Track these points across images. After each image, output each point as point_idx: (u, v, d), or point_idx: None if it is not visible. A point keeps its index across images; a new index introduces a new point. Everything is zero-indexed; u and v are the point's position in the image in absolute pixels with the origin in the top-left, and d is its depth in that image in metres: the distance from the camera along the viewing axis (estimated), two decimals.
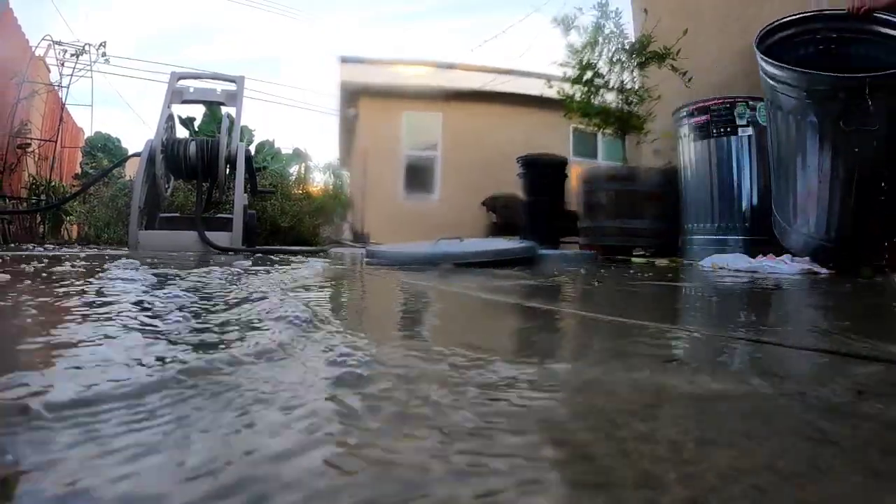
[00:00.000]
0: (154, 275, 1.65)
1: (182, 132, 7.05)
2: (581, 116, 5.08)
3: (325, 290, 1.54)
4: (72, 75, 7.25)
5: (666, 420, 0.45)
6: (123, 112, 50.27)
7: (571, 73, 5.00)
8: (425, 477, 0.31)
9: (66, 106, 7.61)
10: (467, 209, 7.71)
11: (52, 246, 4.50)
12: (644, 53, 4.72)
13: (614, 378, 0.56)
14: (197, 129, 7.95)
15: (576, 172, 5.36)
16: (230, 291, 1.27)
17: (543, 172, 5.97)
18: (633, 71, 4.90)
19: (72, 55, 7.22)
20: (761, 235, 3.58)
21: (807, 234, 2.93)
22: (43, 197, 6.50)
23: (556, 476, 0.33)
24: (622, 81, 4.92)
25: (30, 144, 6.72)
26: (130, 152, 5.66)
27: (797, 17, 3.13)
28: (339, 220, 9.49)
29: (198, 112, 8.18)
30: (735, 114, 3.67)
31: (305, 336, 0.72)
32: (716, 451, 0.37)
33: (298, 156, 9.05)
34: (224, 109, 5.22)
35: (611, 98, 4.98)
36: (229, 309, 0.98)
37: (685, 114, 3.96)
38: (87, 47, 7.27)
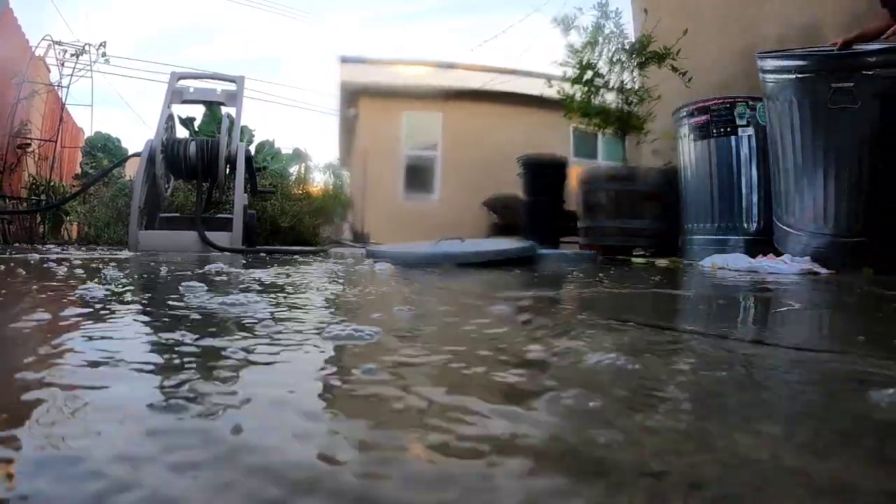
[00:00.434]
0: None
1: (182, 132, 7.05)
2: (581, 116, 5.08)
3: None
4: (72, 75, 7.27)
5: None
6: (123, 112, 50.27)
7: (571, 73, 5.00)
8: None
9: (66, 106, 7.63)
10: (467, 209, 7.71)
11: (62, 247, 4.50)
12: (644, 53, 4.72)
13: None
14: (197, 129, 7.95)
15: (575, 173, 5.36)
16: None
17: (543, 173, 5.98)
18: (633, 71, 4.90)
19: (72, 55, 7.23)
20: (761, 235, 3.59)
21: (813, 231, 2.93)
22: (43, 197, 6.51)
23: None
24: (622, 81, 4.92)
25: (30, 144, 6.73)
26: (130, 152, 5.66)
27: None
28: (339, 220, 9.49)
29: (198, 112, 8.19)
30: (735, 114, 3.67)
31: None
32: None
33: (298, 156, 9.05)
34: (224, 109, 5.22)
35: (611, 98, 4.98)
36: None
37: (685, 114, 3.96)
38: (87, 47, 7.29)
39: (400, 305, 1.09)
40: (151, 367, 0.56)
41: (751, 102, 3.65)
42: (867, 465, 0.35)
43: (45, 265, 1.96)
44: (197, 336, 0.68)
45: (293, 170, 8.59)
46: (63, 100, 7.49)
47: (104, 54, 7.45)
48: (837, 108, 2.84)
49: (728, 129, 3.70)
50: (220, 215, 4.69)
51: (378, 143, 9.61)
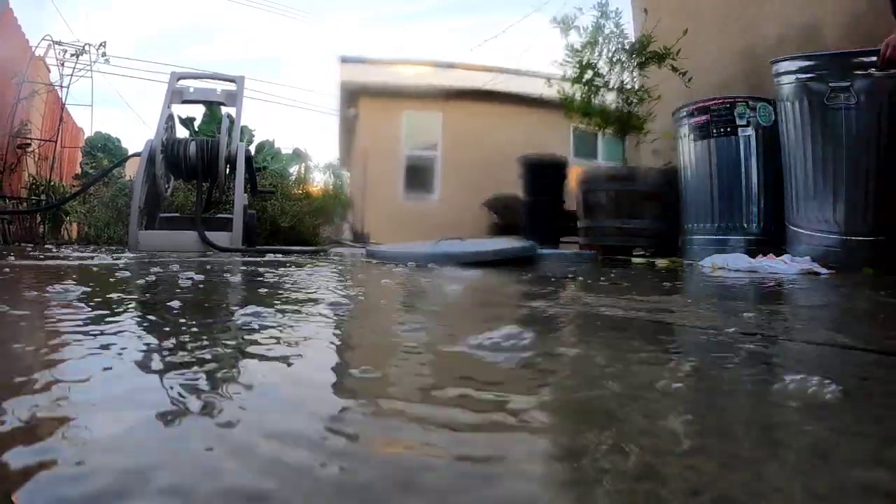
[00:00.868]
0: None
1: (182, 132, 7.05)
2: (582, 116, 5.08)
3: None
4: (72, 75, 7.26)
5: None
6: (123, 112, 50.27)
7: (571, 73, 5.00)
8: None
9: (66, 106, 7.62)
10: (467, 209, 7.71)
11: (66, 247, 4.50)
12: (644, 53, 4.72)
13: None
14: (197, 129, 7.95)
15: (575, 173, 5.37)
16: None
17: (543, 173, 5.98)
18: (633, 71, 4.89)
19: (72, 55, 7.23)
20: (761, 235, 3.59)
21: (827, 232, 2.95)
22: (43, 197, 6.50)
23: None
24: (622, 81, 4.92)
25: (30, 144, 6.73)
26: (130, 152, 5.66)
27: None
28: (339, 220, 9.49)
29: (198, 112, 8.19)
30: (735, 114, 3.67)
31: None
32: None
33: (298, 156, 9.05)
34: (224, 109, 5.22)
35: (611, 98, 4.97)
36: None
37: (685, 114, 3.96)
38: (87, 47, 7.28)
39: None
40: None
41: (751, 102, 3.65)
42: None
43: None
44: None
45: (293, 170, 8.59)
46: (63, 100, 7.49)
47: (104, 54, 7.44)
48: (846, 109, 2.88)
49: (728, 129, 3.69)
50: (220, 215, 4.69)
51: (378, 143, 9.61)
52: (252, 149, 7.11)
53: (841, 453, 0.37)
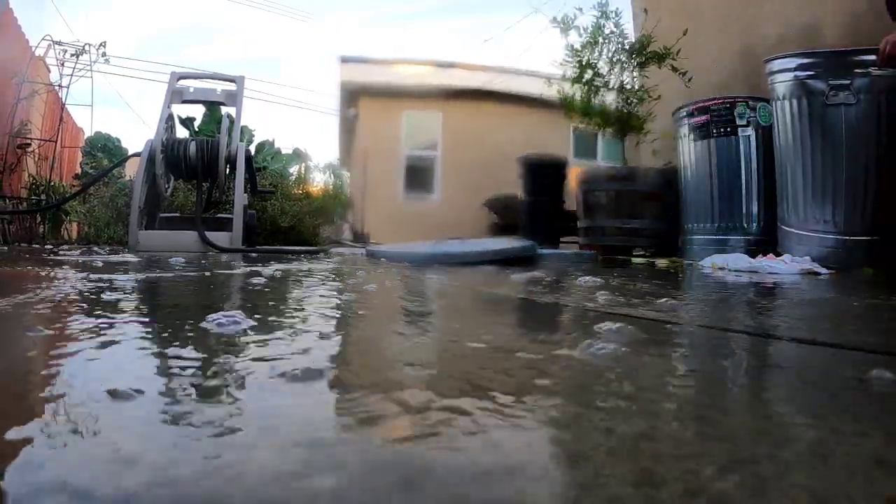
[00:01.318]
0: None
1: (182, 132, 7.05)
2: (582, 116, 5.07)
3: None
4: (72, 75, 7.26)
5: None
6: (123, 112, 50.28)
7: (571, 73, 4.99)
8: None
9: (66, 106, 7.62)
10: (468, 209, 7.72)
11: (65, 246, 4.50)
12: (644, 53, 4.71)
13: None
14: (197, 129, 7.95)
15: (575, 173, 5.36)
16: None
17: (543, 173, 5.98)
18: (633, 71, 4.89)
19: (72, 55, 7.22)
20: (761, 235, 3.59)
21: (820, 232, 2.95)
22: (43, 197, 6.50)
23: None
24: (622, 81, 4.92)
25: (30, 144, 6.72)
26: (130, 152, 5.66)
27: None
28: (339, 220, 9.49)
29: (198, 112, 8.19)
30: (735, 114, 3.66)
31: None
32: None
33: (298, 156, 9.04)
34: (224, 109, 5.22)
35: (611, 98, 4.97)
36: None
37: (685, 114, 3.96)
38: (87, 47, 7.28)
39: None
40: None
41: (751, 102, 3.65)
42: None
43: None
44: None
45: (293, 170, 8.59)
46: (63, 100, 7.48)
47: (104, 54, 7.44)
48: (841, 108, 2.88)
49: (728, 129, 3.69)
50: (220, 215, 4.69)
51: (378, 143, 9.61)
52: (252, 149, 7.11)
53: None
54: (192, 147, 4.37)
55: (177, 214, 4.91)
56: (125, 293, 1.30)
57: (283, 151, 8.95)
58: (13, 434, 0.35)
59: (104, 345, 0.67)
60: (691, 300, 1.47)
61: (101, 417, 0.40)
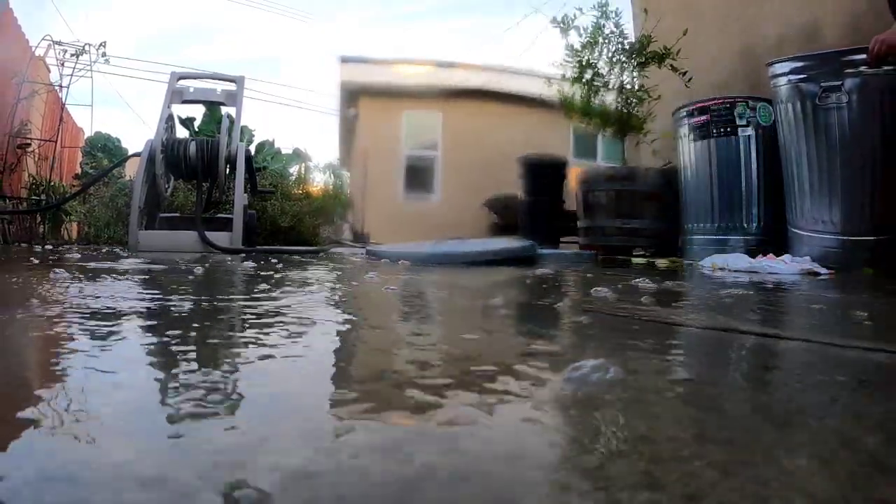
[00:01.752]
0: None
1: (182, 132, 7.05)
2: (581, 117, 5.07)
3: None
4: (72, 75, 7.25)
5: None
6: (123, 112, 50.27)
7: (571, 73, 4.99)
8: None
9: (66, 106, 7.61)
10: (468, 209, 7.71)
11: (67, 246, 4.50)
12: (644, 54, 4.71)
13: None
14: (197, 129, 7.94)
15: (575, 173, 5.36)
16: None
17: (543, 173, 5.98)
18: (632, 71, 4.89)
19: (72, 55, 7.22)
20: (761, 235, 3.60)
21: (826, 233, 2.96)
22: (43, 197, 6.50)
23: None
24: (622, 82, 4.91)
25: (30, 144, 6.72)
26: (130, 152, 5.66)
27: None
28: (339, 220, 9.48)
29: (198, 112, 8.19)
30: (735, 114, 3.66)
31: None
32: None
33: (298, 156, 9.04)
34: (224, 109, 5.22)
35: (610, 99, 4.97)
36: None
37: (685, 114, 3.96)
38: (87, 47, 7.27)
39: None
40: None
41: (751, 102, 3.64)
42: None
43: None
44: None
45: (293, 170, 8.59)
46: (63, 100, 7.48)
47: (104, 54, 7.43)
48: (833, 109, 2.91)
49: (728, 129, 3.69)
50: (220, 215, 4.69)
51: (378, 143, 9.60)
52: (252, 149, 7.11)
53: None
54: (192, 147, 4.37)
55: (177, 214, 4.91)
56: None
57: (283, 151, 8.95)
58: None
59: None
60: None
61: None
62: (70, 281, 1.49)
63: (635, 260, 3.95)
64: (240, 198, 4.28)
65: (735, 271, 2.70)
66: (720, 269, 2.84)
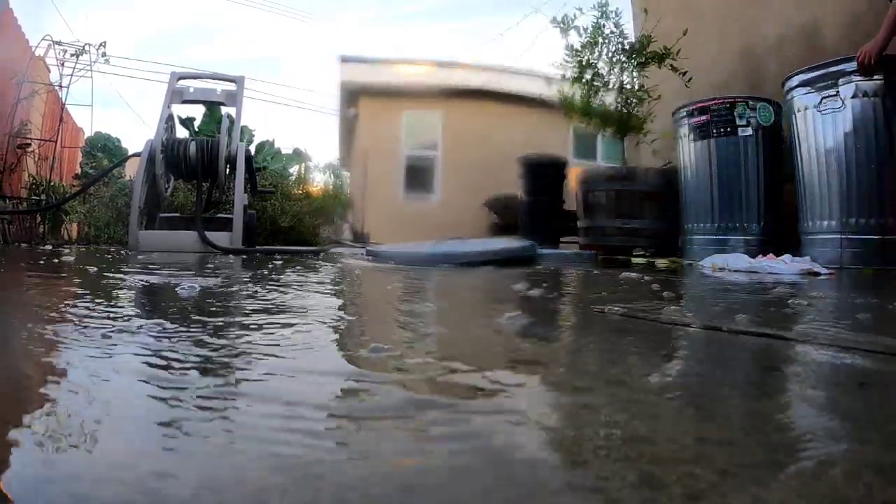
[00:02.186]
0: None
1: (182, 132, 7.05)
2: (581, 117, 5.07)
3: None
4: (72, 75, 7.25)
5: None
6: (123, 112, 50.26)
7: (571, 73, 4.99)
8: None
9: (66, 106, 7.61)
10: (468, 209, 7.72)
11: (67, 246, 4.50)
12: (644, 54, 4.71)
13: None
14: (197, 129, 7.95)
15: (575, 173, 5.36)
16: None
17: (543, 173, 5.98)
18: (632, 71, 4.88)
19: (72, 55, 7.22)
20: (761, 235, 3.60)
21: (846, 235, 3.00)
22: (43, 197, 6.50)
23: None
24: (622, 82, 4.91)
25: (30, 144, 6.72)
26: (130, 152, 5.66)
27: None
28: (339, 220, 9.49)
29: (198, 112, 8.19)
30: (735, 114, 3.66)
31: None
32: None
33: (298, 156, 9.05)
34: (224, 109, 5.22)
35: (610, 99, 4.96)
36: None
37: (685, 114, 3.96)
38: (87, 47, 7.27)
39: None
40: None
41: (751, 102, 3.65)
42: None
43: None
44: None
45: (293, 170, 8.59)
46: (63, 100, 7.48)
47: (104, 54, 7.43)
48: (829, 116, 3.00)
49: (728, 129, 3.69)
50: (220, 215, 4.69)
51: (378, 143, 9.61)
52: (252, 149, 7.11)
53: None
54: (192, 147, 4.37)
55: (177, 214, 4.91)
56: None
57: (283, 151, 8.95)
58: None
59: None
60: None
61: None
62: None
63: (635, 260, 3.95)
64: (240, 198, 4.28)
65: (735, 271, 2.70)
66: (720, 269, 2.84)
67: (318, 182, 8.95)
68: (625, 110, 4.87)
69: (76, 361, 0.62)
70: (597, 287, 1.93)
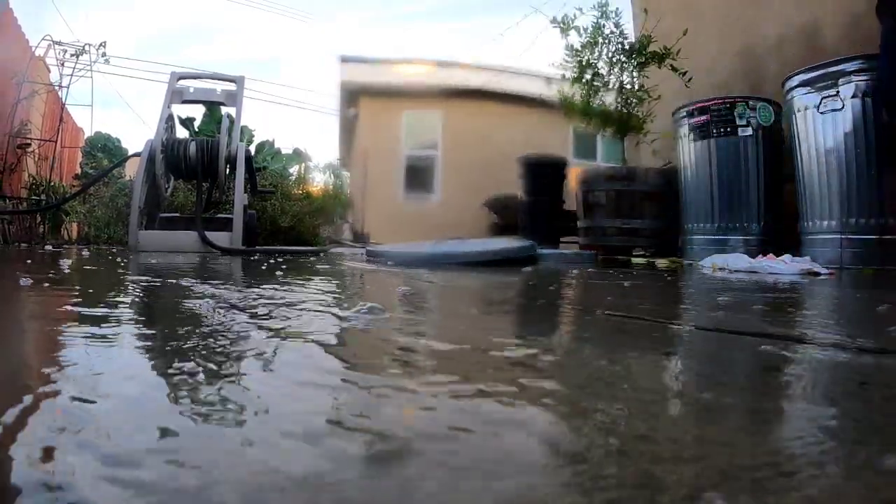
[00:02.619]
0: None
1: (182, 132, 7.05)
2: (581, 117, 5.07)
3: None
4: (72, 75, 7.25)
5: None
6: (123, 112, 50.24)
7: (571, 73, 4.99)
8: None
9: (66, 106, 7.62)
10: (468, 209, 7.72)
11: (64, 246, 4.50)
12: (644, 54, 4.71)
13: None
14: (197, 129, 7.94)
15: (575, 173, 5.36)
16: None
17: (543, 173, 5.98)
18: (632, 71, 4.88)
19: (72, 55, 7.22)
20: (761, 235, 3.60)
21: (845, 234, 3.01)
22: (43, 197, 6.50)
23: None
24: (622, 82, 4.91)
25: (30, 144, 6.72)
26: (130, 152, 5.66)
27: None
28: (339, 220, 9.49)
29: (198, 112, 8.18)
30: (735, 114, 3.66)
31: None
32: None
33: (298, 156, 9.05)
34: (224, 109, 5.22)
35: (610, 99, 4.96)
36: None
37: (685, 114, 3.96)
38: (87, 47, 7.27)
39: None
40: None
41: (751, 102, 3.65)
42: None
43: None
44: None
45: (293, 170, 8.59)
46: (63, 100, 7.48)
47: (104, 54, 7.43)
48: (829, 115, 3.02)
49: (728, 129, 3.69)
50: (220, 215, 4.68)
51: (378, 143, 9.61)
52: (252, 149, 7.11)
53: None
54: (192, 147, 4.37)
55: (177, 214, 4.91)
56: None
57: (283, 151, 8.95)
58: None
59: None
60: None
61: None
62: None
63: (635, 260, 3.95)
64: (240, 198, 4.28)
65: (735, 271, 2.70)
66: (720, 269, 2.84)
67: (318, 182, 8.96)
68: (625, 110, 4.87)
69: None
70: (597, 287, 1.93)
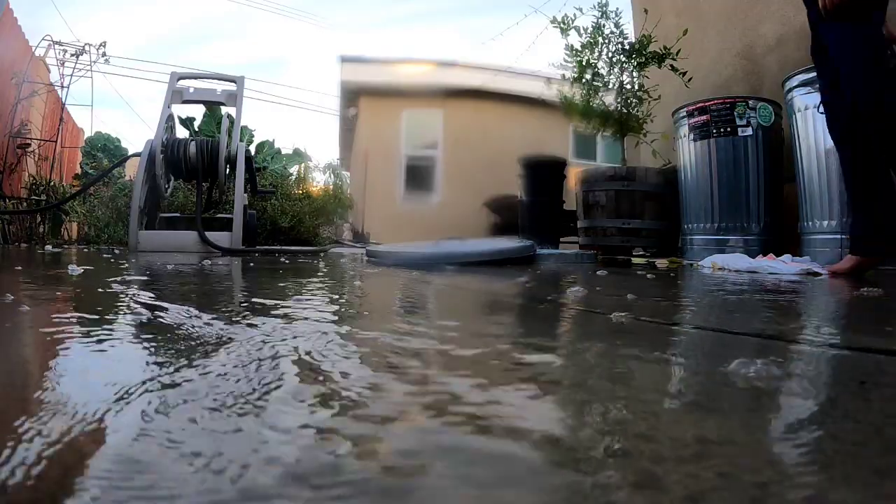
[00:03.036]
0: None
1: (182, 132, 7.05)
2: (581, 117, 5.07)
3: None
4: (72, 75, 7.26)
5: None
6: (123, 112, 50.28)
7: (571, 74, 4.99)
8: None
9: (66, 106, 7.63)
10: (468, 209, 7.73)
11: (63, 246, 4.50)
12: (644, 54, 4.71)
13: None
14: (197, 129, 7.94)
15: (575, 173, 5.36)
16: None
17: (543, 173, 5.97)
18: (632, 71, 4.88)
19: (72, 55, 7.24)
20: (761, 235, 3.60)
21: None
22: (43, 197, 6.51)
23: None
24: (622, 82, 4.91)
25: (30, 144, 6.73)
26: (130, 152, 5.66)
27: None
28: (340, 221, 9.49)
29: (198, 112, 8.18)
30: (735, 114, 3.67)
31: None
32: None
33: (298, 156, 9.04)
34: (224, 109, 5.23)
35: (610, 99, 4.97)
36: None
37: (685, 114, 3.96)
38: (87, 47, 7.28)
39: None
40: None
41: (751, 102, 3.65)
42: None
43: None
44: None
45: (293, 170, 8.59)
46: (63, 100, 7.49)
47: (104, 54, 7.45)
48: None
49: (728, 129, 3.70)
50: (220, 215, 4.69)
51: (378, 143, 9.62)
52: (252, 149, 7.11)
53: None
54: (192, 147, 4.37)
55: (177, 214, 4.91)
56: None
57: (283, 151, 8.94)
58: None
59: None
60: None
61: None
62: None
63: (635, 260, 3.95)
64: (240, 198, 4.28)
65: (735, 271, 2.70)
66: (720, 269, 2.84)
67: (319, 182, 8.96)
68: (624, 110, 4.87)
69: None
70: (596, 287, 1.93)
